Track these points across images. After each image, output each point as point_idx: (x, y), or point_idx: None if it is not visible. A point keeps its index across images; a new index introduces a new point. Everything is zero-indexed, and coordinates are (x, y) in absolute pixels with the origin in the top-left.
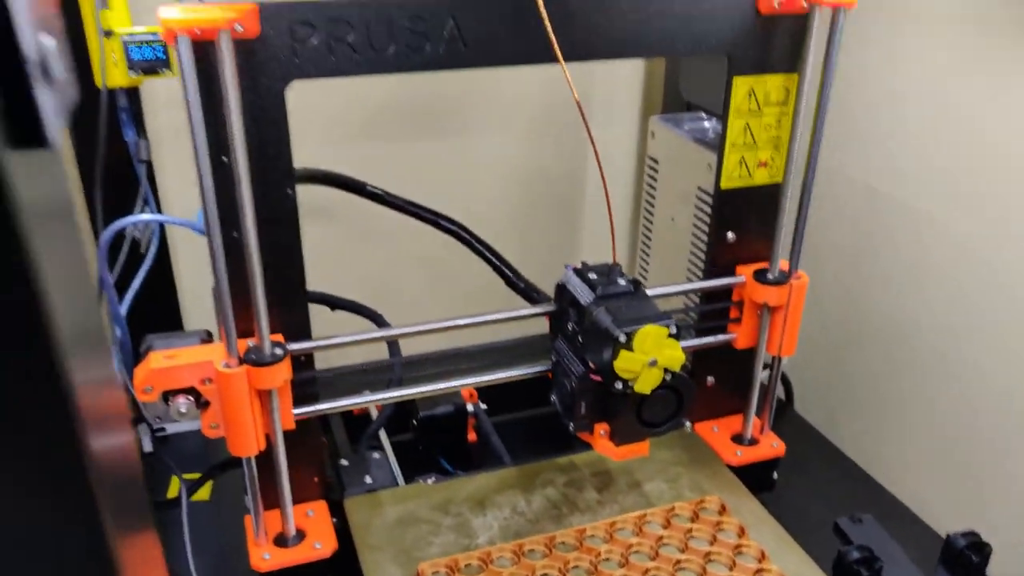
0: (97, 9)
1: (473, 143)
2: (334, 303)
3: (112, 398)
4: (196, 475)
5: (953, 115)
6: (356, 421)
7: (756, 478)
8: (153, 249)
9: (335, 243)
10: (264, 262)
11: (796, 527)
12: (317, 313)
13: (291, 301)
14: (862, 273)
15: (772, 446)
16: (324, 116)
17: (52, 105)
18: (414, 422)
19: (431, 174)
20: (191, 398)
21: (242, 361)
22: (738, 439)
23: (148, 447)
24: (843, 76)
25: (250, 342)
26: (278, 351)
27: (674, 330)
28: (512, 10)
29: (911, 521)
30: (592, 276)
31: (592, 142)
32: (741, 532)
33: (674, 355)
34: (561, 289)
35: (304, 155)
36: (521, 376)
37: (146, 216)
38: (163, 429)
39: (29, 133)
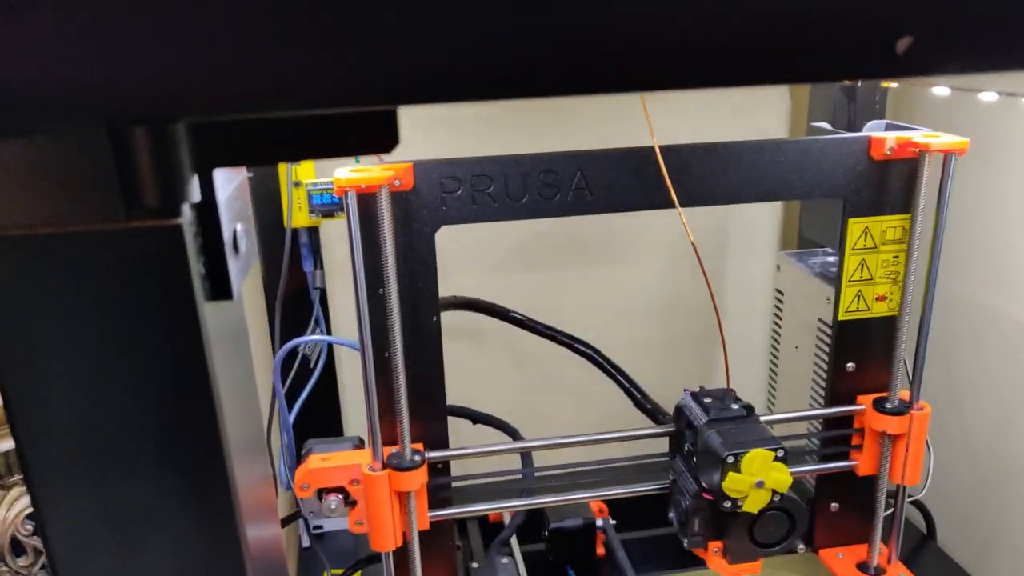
0: (289, 165)
1: (614, 273)
2: (475, 417)
3: (266, 495)
4: (341, 570)
5: None
6: (492, 529)
7: None
8: (321, 364)
9: (482, 364)
10: (409, 379)
11: None
12: (461, 426)
13: (431, 414)
14: (1011, 405)
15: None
16: (475, 250)
17: (237, 269)
18: (545, 533)
19: (573, 302)
20: (341, 496)
21: (385, 466)
22: (863, 567)
23: (306, 543)
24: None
25: (394, 449)
26: (416, 458)
27: (781, 454)
28: (633, 162)
29: None
30: (707, 400)
31: (704, 275)
32: None
33: (781, 478)
34: (679, 411)
35: (456, 283)
36: (642, 492)
37: (316, 337)
38: (320, 527)
39: (220, 290)
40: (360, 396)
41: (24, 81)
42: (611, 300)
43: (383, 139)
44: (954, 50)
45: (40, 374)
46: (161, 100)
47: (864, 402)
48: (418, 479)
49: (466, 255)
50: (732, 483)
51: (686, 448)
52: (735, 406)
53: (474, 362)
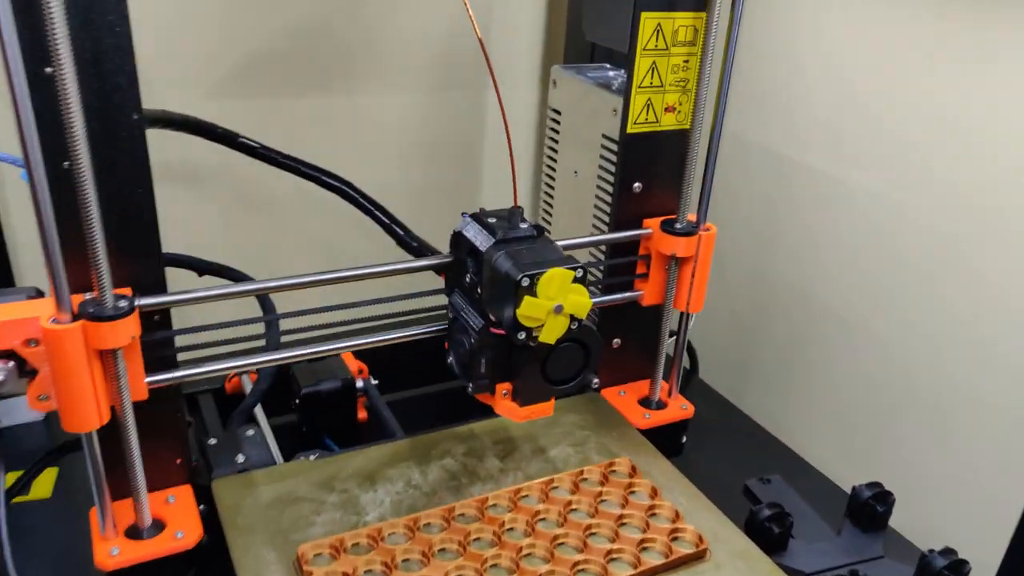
0: None
1: (360, 99)
2: (200, 267)
3: None
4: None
5: (861, 85)
6: (231, 402)
7: (664, 443)
8: None
9: (206, 210)
10: (104, 199)
11: (705, 491)
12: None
13: (140, 249)
14: (767, 241)
15: (681, 408)
16: (189, 70)
17: None
18: (296, 401)
19: (315, 132)
20: (12, 364)
21: (77, 316)
22: (646, 403)
23: None
24: (751, 46)
25: (88, 295)
26: (122, 304)
27: (580, 274)
28: None
29: (817, 480)
30: (491, 221)
31: (494, 81)
32: (653, 493)
33: (580, 301)
34: (457, 238)
35: (173, 107)
36: (412, 337)
37: None
38: None
39: None
40: (37, 239)
41: None
42: (360, 137)
43: None
44: None
45: None
46: None
47: (651, 225)
48: (126, 331)
49: (176, 77)
50: (528, 309)
51: (467, 280)
52: (524, 226)
53: (195, 209)
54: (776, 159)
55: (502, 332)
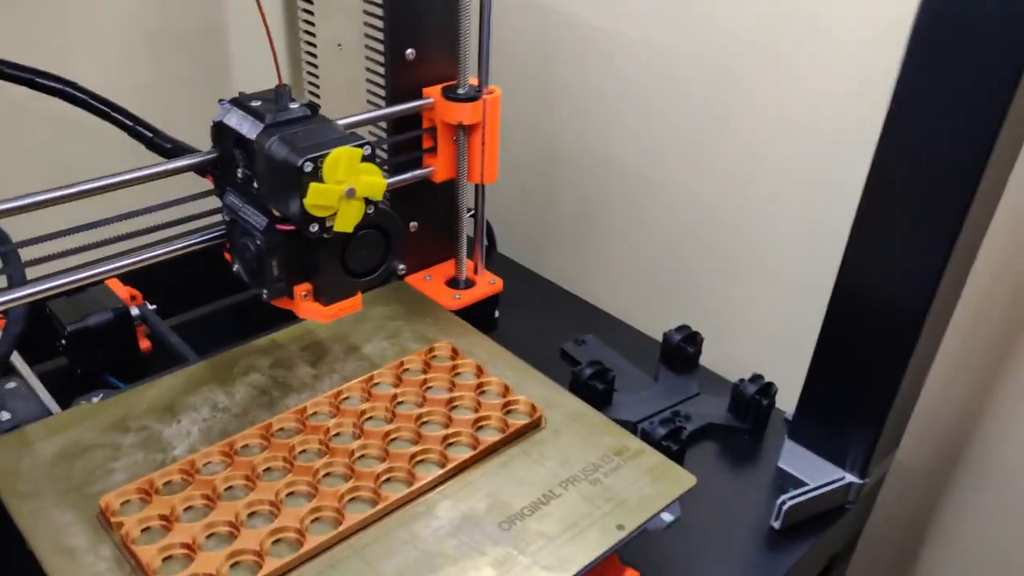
0: None
1: None
2: None
3: None
4: None
5: None
6: None
7: (478, 321)
8: None
9: None
10: None
11: (526, 361)
12: None
13: None
14: (548, 100)
15: (490, 283)
16: None
17: None
18: (61, 342)
19: (10, 29)
20: None
21: None
22: (453, 284)
23: None
24: None
25: None
26: None
27: (368, 151)
28: None
29: (627, 333)
30: (256, 104)
31: None
32: (479, 372)
33: (374, 181)
34: (219, 128)
35: None
36: (185, 250)
37: None
38: None
39: None
40: None
41: None
42: (70, 33)
43: None
44: None
45: None
46: None
47: (432, 94)
48: None
49: None
50: (316, 198)
51: (239, 175)
52: (294, 106)
53: None
54: (544, 13)
55: (291, 228)
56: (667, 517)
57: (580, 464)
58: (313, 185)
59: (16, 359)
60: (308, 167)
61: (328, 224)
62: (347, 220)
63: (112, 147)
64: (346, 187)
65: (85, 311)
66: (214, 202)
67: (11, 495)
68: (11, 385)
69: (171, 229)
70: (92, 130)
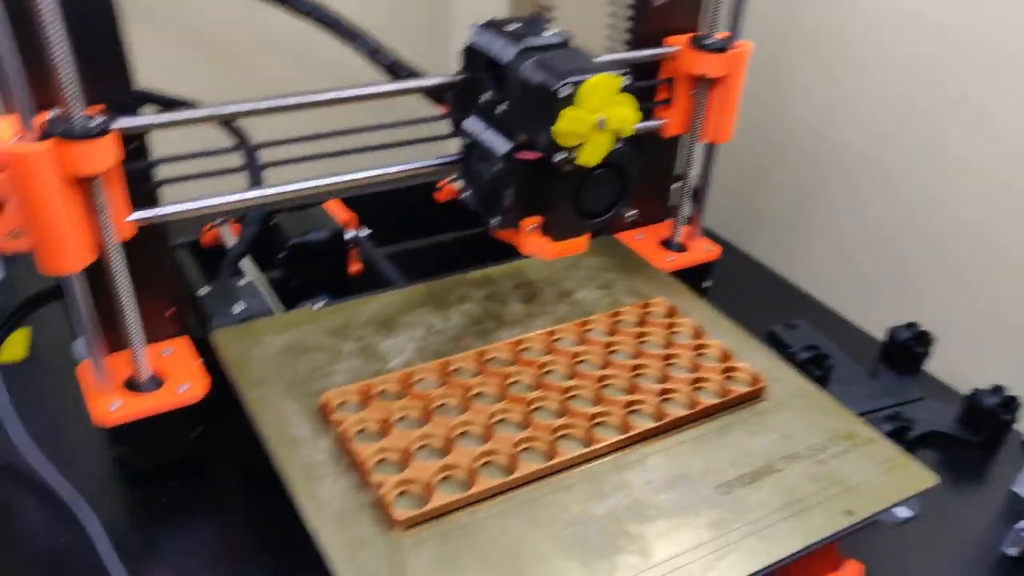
0: None
1: None
2: (166, 100)
3: None
4: None
5: None
6: (209, 257)
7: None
8: None
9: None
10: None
11: None
12: None
13: (108, 68)
14: (780, 69)
15: (705, 250)
16: None
17: None
18: (283, 254)
19: None
20: None
21: (46, 135)
22: (667, 245)
23: None
24: None
25: (54, 112)
26: (94, 124)
27: (628, 81)
28: None
29: (837, 324)
30: (511, 28)
31: None
32: (697, 333)
33: (627, 115)
34: (471, 53)
35: None
36: (417, 171)
37: None
38: None
39: None
40: None
41: None
42: None
43: None
44: None
45: None
46: None
47: (677, 42)
48: (106, 154)
49: None
50: (567, 124)
51: (486, 99)
52: (548, 33)
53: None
54: None
55: (531, 157)
56: (902, 513)
57: (804, 442)
58: (566, 111)
59: (246, 262)
60: (564, 91)
61: (572, 155)
62: (593, 153)
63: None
64: (599, 117)
65: (307, 227)
66: (444, 128)
67: (242, 380)
68: (243, 282)
69: (397, 152)
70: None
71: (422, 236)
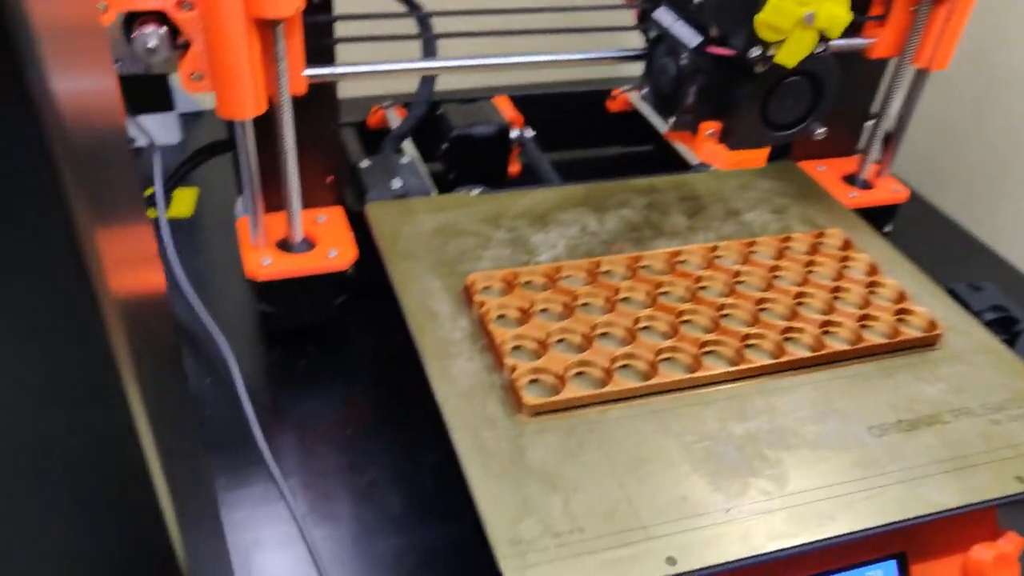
0: None
1: None
2: None
3: None
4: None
5: None
6: (374, 138)
7: None
8: None
9: None
10: None
11: None
12: None
13: None
14: (986, 18)
15: (893, 190)
16: None
17: None
18: (445, 145)
19: None
20: (164, 30)
21: None
22: (850, 180)
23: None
24: None
25: None
26: None
27: None
28: None
29: None
30: None
31: None
32: (872, 270)
33: (838, 13)
34: None
35: None
36: (596, 60)
37: None
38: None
39: None
40: None
41: None
42: None
43: None
44: None
45: None
46: None
47: None
48: None
49: None
50: (772, 15)
51: None
52: None
53: None
54: None
55: (722, 52)
56: None
57: (979, 399)
58: (773, 0)
59: (408, 144)
60: None
61: (770, 53)
62: (794, 52)
63: None
64: (807, 11)
65: (472, 120)
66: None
67: (391, 254)
68: (404, 160)
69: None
70: None
71: (589, 146)
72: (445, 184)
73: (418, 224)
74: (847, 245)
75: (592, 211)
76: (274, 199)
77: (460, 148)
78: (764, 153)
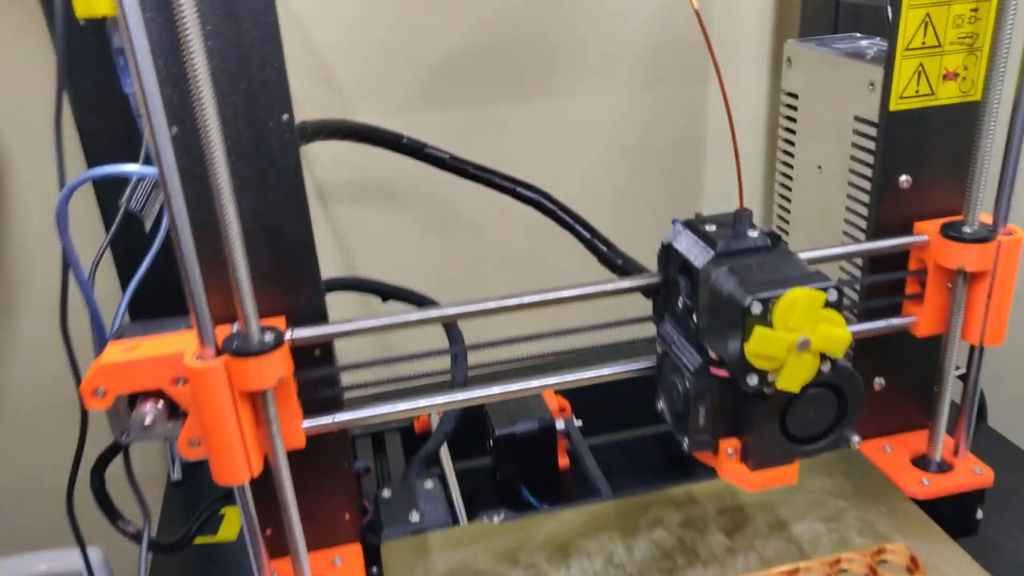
0: None
1: (559, 101)
2: (384, 291)
3: None
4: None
5: None
6: (420, 443)
7: (951, 519)
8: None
9: (389, 229)
10: (254, 218)
11: None
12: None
13: (295, 274)
14: None
15: (974, 473)
16: (375, 80)
17: None
18: (490, 443)
19: (509, 146)
20: (161, 404)
21: (221, 351)
22: (922, 464)
23: (176, 475)
24: None
25: (233, 327)
26: (268, 337)
27: (834, 296)
28: None
29: None
30: (710, 229)
31: (715, 63)
32: None
33: (835, 334)
34: (667, 251)
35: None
36: (615, 375)
37: (107, 170)
38: None
39: None
40: None
41: None
42: (560, 142)
43: None
44: None
45: None
46: None
47: (927, 230)
48: (272, 370)
49: (363, 88)
50: (760, 345)
51: (680, 303)
52: (754, 233)
53: (385, 227)
54: None
55: (725, 374)
56: None
57: None
58: (759, 329)
59: (443, 454)
60: (756, 308)
61: (770, 379)
62: (794, 377)
63: (571, 253)
64: (799, 337)
65: (516, 417)
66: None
67: None
68: (429, 486)
69: (607, 347)
70: (557, 237)
71: (638, 427)
72: (494, 483)
73: (431, 566)
74: (914, 565)
75: (621, 534)
76: (281, 543)
77: (505, 448)
78: (794, 468)
